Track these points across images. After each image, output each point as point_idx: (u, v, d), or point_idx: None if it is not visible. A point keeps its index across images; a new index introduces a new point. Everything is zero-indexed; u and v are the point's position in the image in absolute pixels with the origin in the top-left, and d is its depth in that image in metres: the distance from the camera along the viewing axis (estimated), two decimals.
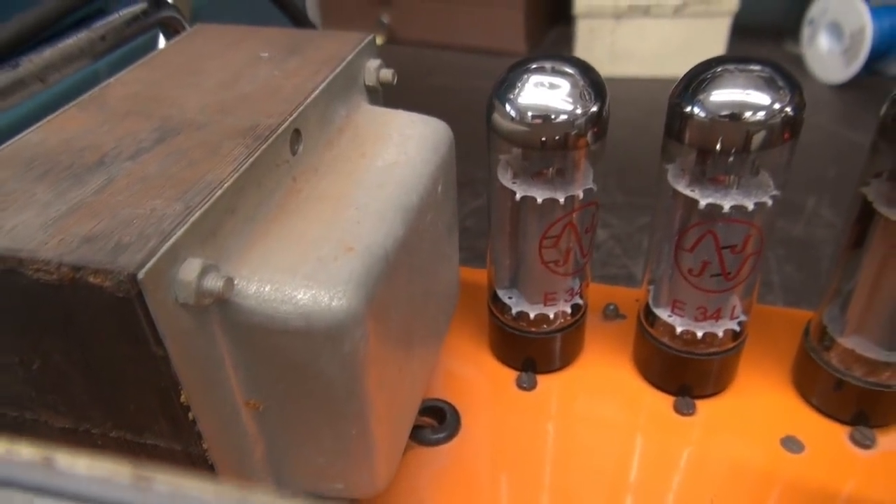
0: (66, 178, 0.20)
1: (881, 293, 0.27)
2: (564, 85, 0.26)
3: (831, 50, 1.31)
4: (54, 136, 0.22)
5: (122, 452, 0.20)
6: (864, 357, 0.28)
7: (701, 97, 0.25)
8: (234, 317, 0.19)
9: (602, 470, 0.29)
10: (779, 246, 0.83)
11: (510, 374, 0.33)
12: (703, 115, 0.25)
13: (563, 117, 0.26)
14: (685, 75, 0.26)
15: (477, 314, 0.35)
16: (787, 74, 0.25)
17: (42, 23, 0.29)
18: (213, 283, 0.18)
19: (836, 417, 0.29)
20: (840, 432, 0.29)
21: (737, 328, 0.29)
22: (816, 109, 1.16)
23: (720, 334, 0.29)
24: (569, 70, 0.26)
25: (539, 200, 0.27)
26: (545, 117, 0.26)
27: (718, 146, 0.25)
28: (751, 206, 0.25)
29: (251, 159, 0.21)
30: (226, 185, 0.19)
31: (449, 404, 0.31)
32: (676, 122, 0.26)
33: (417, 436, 0.30)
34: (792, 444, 0.29)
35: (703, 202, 0.26)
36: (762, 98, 0.24)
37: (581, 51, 1.34)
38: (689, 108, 0.25)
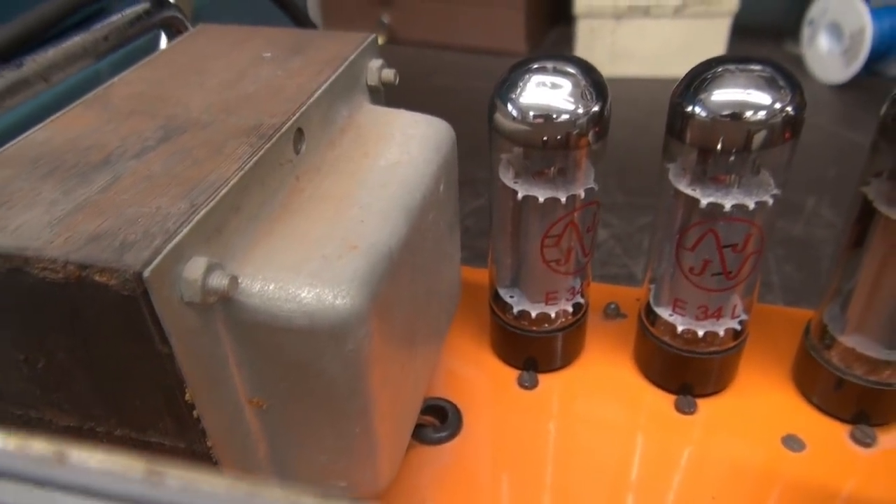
0: (72, 176, 0.20)
1: (881, 292, 0.27)
2: (566, 85, 0.26)
3: (831, 50, 1.32)
4: (59, 134, 0.22)
5: (127, 450, 0.20)
6: (865, 356, 0.28)
7: (702, 97, 0.25)
8: (238, 315, 0.19)
9: (603, 468, 0.29)
10: (779, 246, 0.83)
11: (511, 373, 0.33)
12: (704, 114, 0.25)
13: (565, 117, 0.26)
14: (686, 75, 0.26)
15: (478, 313, 0.36)
16: (788, 74, 0.25)
17: (45, 22, 0.29)
18: (218, 281, 0.18)
19: (837, 416, 0.29)
20: (841, 431, 0.29)
21: (738, 327, 0.29)
22: (816, 110, 1.16)
23: (721, 333, 0.29)
24: (570, 70, 0.26)
25: (541, 200, 0.27)
26: (547, 117, 0.26)
27: (720, 145, 0.25)
28: (752, 205, 0.25)
29: (255, 158, 0.21)
30: (230, 184, 0.20)
31: (451, 403, 0.31)
32: (678, 122, 0.26)
33: (419, 435, 0.30)
34: (793, 442, 0.29)
35: (704, 201, 0.26)
36: (763, 98, 0.24)
37: (581, 51, 1.34)
38: (690, 108, 0.25)
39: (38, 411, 0.20)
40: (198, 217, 0.18)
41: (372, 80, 0.29)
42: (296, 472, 0.23)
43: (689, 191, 0.26)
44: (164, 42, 0.39)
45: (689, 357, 0.30)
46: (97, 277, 0.16)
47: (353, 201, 0.23)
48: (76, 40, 0.29)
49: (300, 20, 0.43)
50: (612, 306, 0.36)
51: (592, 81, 0.26)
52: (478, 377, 0.33)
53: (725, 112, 0.24)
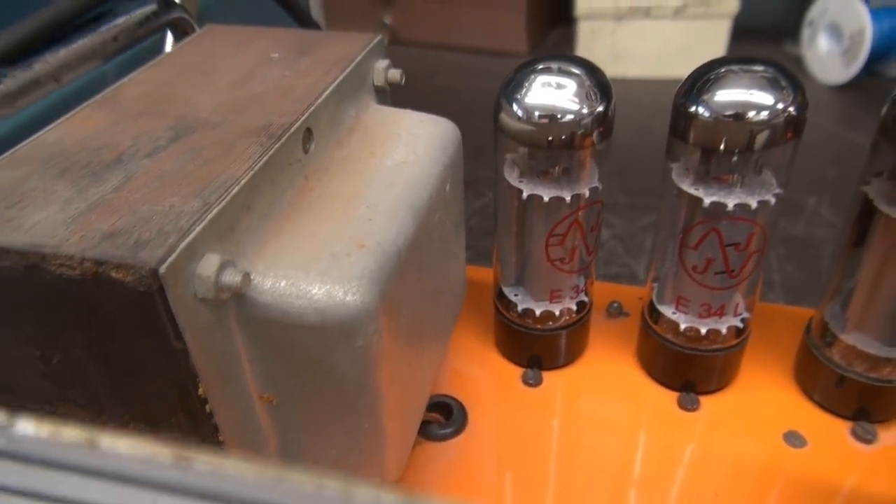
0: (85, 175, 0.20)
1: (882, 290, 0.27)
2: (571, 85, 0.26)
3: (831, 51, 1.32)
4: (71, 135, 0.23)
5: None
6: (866, 353, 0.28)
7: (705, 97, 0.25)
8: (250, 312, 0.19)
9: (607, 465, 0.29)
10: (780, 245, 0.84)
11: (516, 371, 0.33)
12: (707, 114, 0.25)
13: (570, 117, 0.26)
14: (690, 75, 0.26)
15: (482, 312, 0.36)
16: (790, 75, 0.25)
17: (56, 24, 0.29)
18: (231, 278, 0.18)
19: (838, 413, 0.30)
20: (842, 427, 0.29)
21: (740, 325, 0.30)
22: (816, 110, 1.17)
23: (724, 331, 0.30)
24: (575, 70, 0.27)
25: (545, 199, 0.28)
26: (552, 117, 0.26)
27: (723, 145, 0.25)
28: (754, 205, 0.26)
29: (265, 158, 0.21)
30: (242, 183, 0.20)
31: (456, 400, 0.31)
32: (681, 122, 0.26)
33: (425, 431, 0.30)
34: (794, 438, 0.29)
35: (707, 200, 0.26)
36: (766, 98, 0.25)
37: (582, 52, 1.35)
38: (693, 108, 0.25)
39: (52, 406, 0.20)
40: (210, 215, 0.18)
41: (378, 80, 0.30)
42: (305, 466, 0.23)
43: (692, 190, 0.27)
44: (169, 42, 0.39)
45: (691, 354, 0.30)
46: (113, 274, 0.17)
47: (361, 201, 0.23)
48: (86, 41, 0.29)
49: (304, 21, 0.43)
50: (615, 305, 0.36)
51: (597, 82, 0.27)
52: (482, 375, 0.33)
53: (728, 112, 0.25)
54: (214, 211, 0.19)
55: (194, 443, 0.20)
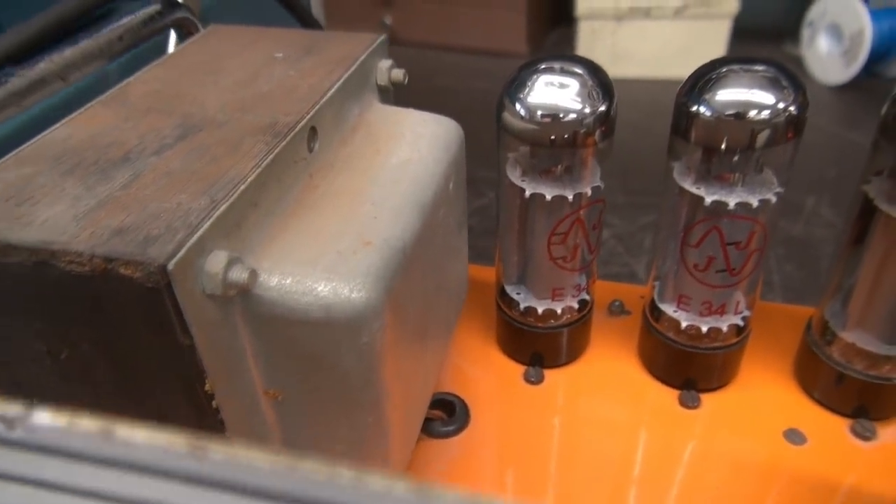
0: (94, 172, 0.20)
1: (882, 288, 0.27)
2: (573, 84, 0.27)
3: (831, 52, 1.32)
4: (79, 132, 0.23)
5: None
6: (865, 351, 0.28)
7: (707, 96, 0.25)
8: (256, 308, 0.20)
9: (609, 462, 0.29)
10: (779, 245, 0.84)
11: (518, 369, 0.33)
12: (709, 113, 0.25)
13: (572, 116, 0.26)
14: (691, 75, 0.26)
15: (484, 310, 0.36)
16: (791, 74, 0.25)
17: (61, 23, 0.29)
18: (239, 274, 0.18)
19: (838, 410, 0.30)
20: (841, 425, 0.30)
21: (741, 323, 0.30)
22: (816, 111, 1.17)
23: (724, 329, 0.30)
24: (577, 70, 0.27)
25: (548, 197, 0.28)
26: (554, 116, 0.26)
27: (724, 144, 0.26)
28: (755, 203, 0.26)
29: (271, 156, 0.21)
30: (248, 181, 0.20)
31: (458, 398, 0.32)
32: (683, 121, 0.26)
33: (428, 428, 0.30)
34: (794, 436, 0.29)
35: (708, 199, 0.26)
36: (767, 97, 0.25)
37: (582, 52, 1.35)
38: (695, 107, 0.26)
39: (58, 401, 0.21)
40: (218, 212, 0.19)
41: (381, 79, 0.30)
42: None
43: (693, 189, 0.27)
44: (172, 42, 0.40)
45: (692, 352, 0.30)
46: (122, 270, 0.17)
47: (366, 198, 0.23)
48: (92, 40, 0.29)
49: (306, 21, 0.44)
50: (617, 303, 0.37)
51: (599, 81, 0.27)
52: (485, 373, 0.33)
53: (730, 111, 0.25)
54: (222, 208, 0.19)
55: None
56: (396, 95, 0.31)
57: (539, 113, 0.26)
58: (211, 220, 0.18)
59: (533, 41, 1.48)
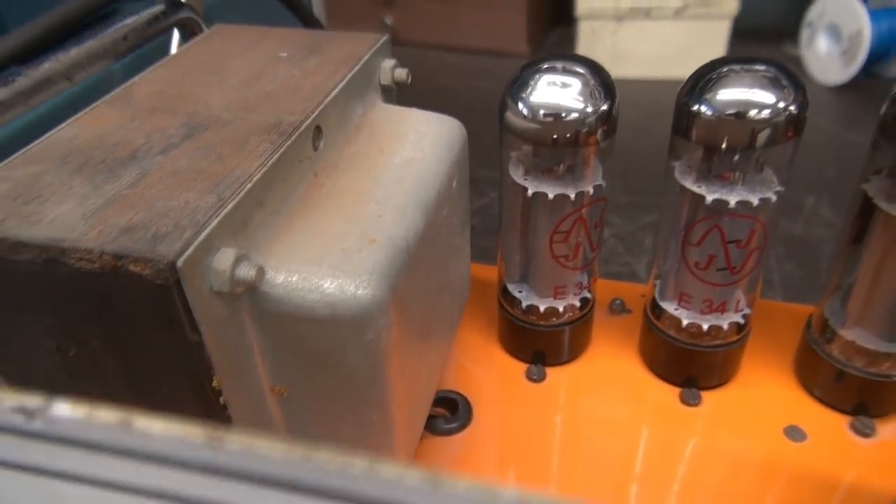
0: (101, 171, 0.21)
1: (881, 286, 0.28)
2: (576, 84, 0.27)
3: (830, 52, 1.33)
4: (86, 131, 0.23)
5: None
6: (865, 348, 0.29)
7: (708, 96, 0.26)
8: (262, 305, 0.20)
9: (610, 458, 0.29)
10: (779, 244, 0.84)
11: (520, 367, 0.34)
12: (709, 113, 0.26)
13: (575, 115, 0.26)
14: (692, 75, 0.27)
15: (486, 309, 0.36)
16: (791, 74, 0.26)
17: (66, 23, 0.29)
18: (246, 271, 0.18)
19: (838, 407, 0.30)
20: (841, 422, 0.30)
21: (741, 321, 0.30)
22: (815, 111, 1.17)
23: (725, 327, 0.30)
24: (580, 69, 0.27)
25: (550, 196, 0.28)
26: (557, 115, 0.27)
27: (724, 143, 0.26)
28: (756, 202, 0.26)
29: (277, 155, 0.21)
30: (254, 179, 0.20)
31: (461, 395, 0.32)
32: (684, 120, 0.27)
33: (431, 426, 0.30)
34: (795, 433, 0.30)
35: (709, 198, 0.27)
36: (767, 97, 0.25)
37: (582, 52, 1.35)
38: (696, 107, 0.26)
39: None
40: (225, 210, 0.19)
41: (385, 79, 0.30)
42: None
43: (694, 188, 0.27)
44: (175, 42, 0.40)
45: (693, 350, 0.31)
46: (132, 267, 0.17)
47: (370, 197, 0.24)
48: (97, 40, 0.29)
49: (307, 20, 0.44)
50: (618, 302, 0.37)
51: (601, 81, 0.27)
52: (487, 371, 0.34)
53: (730, 111, 0.25)
54: (229, 206, 0.19)
55: None
56: (398, 95, 0.31)
57: (542, 112, 0.27)
58: (218, 218, 0.18)
59: (533, 41, 1.48)
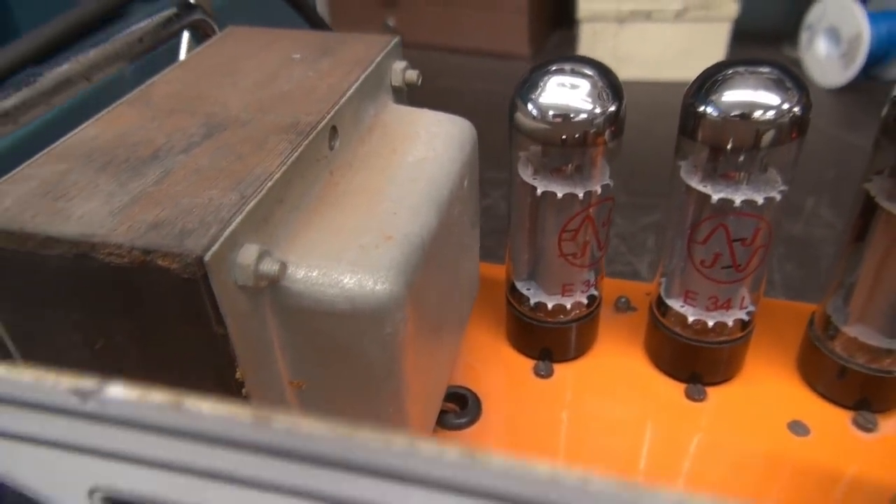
0: (125, 170, 0.21)
1: (883, 284, 0.28)
2: (584, 85, 0.27)
3: (829, 54, 1.34)
4: (108, 131, 0.24)
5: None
6: (867, 345, 0.29)
7: (713, 97, 0.26)
8: (283, 300, 0.20)
9: (618, 453, 0.30)
10: (779, 245, 0.85)
11: (527, 363, 0.34)
12: (715, 114, 0.26)
13: (583, 116, 0.27)
14: (698, 76, 0.27)
15: (493, 307, 0.37)
16: (795, 76, 0.26)
17: (82, 25, 0.30)
18: (269, 266, 0.19)
19: (840, 403, 0.31)
20: (844, 417, 0.30)
21: (745, 318, 0.31)
22: (815, 113, 1.18)
23: (730, 323, 0.31)
24: (588, 71, 0.28)
25: (559, 195, 0.29)
26: (566, 116, 0.27)
27: (730, 144, 0.26)
28: (760, 201, 0.27)
29: (296, 154, 0.22)
30: (275, 177, 0.21)
31: (470, 391, 0.32)
32: (690, 121, 0.27)
33: (441, 421, 0.31)
34: (798, 427, 0.30)
35: (715, 197, 0.27)
36: (771, 98, 0.26)
37: (584, 54, 1.36)
38: (702, 108, 0.26)
39: None
40: (248, 207, 0.19)
41: (396, 80, 0.31)
42: None
43: (700, 187, 0.28)
44: (184, 43, 0.40)
45: (699, 346, 0.31)
46: (160, 262, 0.18)
47: (385, 195, 0.24)
48: (114, 42, 0.30)
49: (314, 21, 0.44)
50: (623, 300, 0.37)
51: (609, 83, 0.28)
52: (496, 367, 0.34)
53: (736, 112, 0.26)
54: (251, 203, 0.20)
55: None
56: (398, 99, 0.32)
57: (551, 113, 0.27)
58: (242, 215, 0.19)
59: (535, 43, 1.49)
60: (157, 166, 0.21)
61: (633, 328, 0.36)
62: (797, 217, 0.91)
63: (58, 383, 0.11)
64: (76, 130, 0.24)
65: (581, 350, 0.34)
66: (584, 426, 0.31)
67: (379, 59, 0.29)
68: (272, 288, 0.20)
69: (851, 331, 0.30)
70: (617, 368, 0.34)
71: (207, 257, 0.17)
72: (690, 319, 0.31)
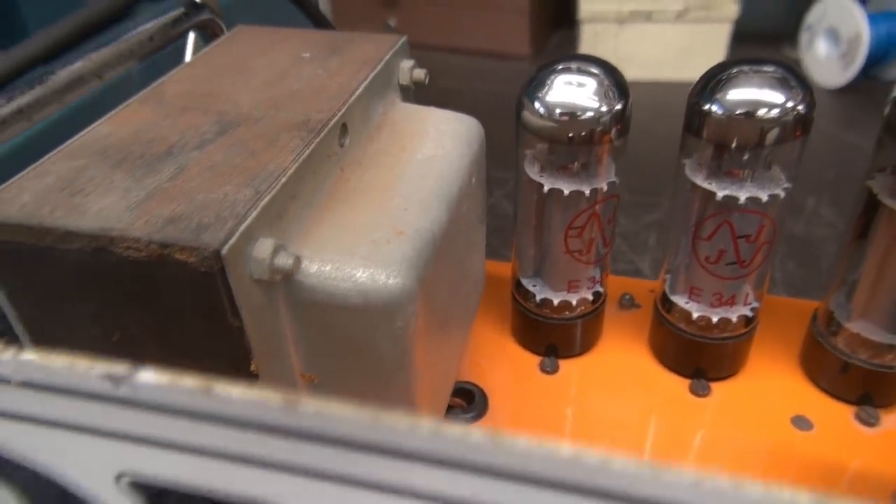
0: (140, 166, 0.22)
1: (885, 280, 0.29)
2: (591, 84, 0.28)
3: (829, 55, 1.34)
4: (121, 128, 0.24)
5: None
6: (870, 340, 0.29)
7: (718, 96, 0.27)
8: (297, 294, 0.21)
9: (623, 447, 0.30)
10: (781, 244, 0.85)
11: (533, 359, 0.34)
12: (720, 112, 0.26)
13: (590, 114, 0.27)
14: (703, 75, 0.28)
15: (499, 305, 0.37)
16: (799, 75, 0.27)
17: (91, 25, 0.30)
18: (284, 260, 0.19)
19: (843, 398, 0.31)
20: (846, 412, 0.31)
21: (749, 314, 0.31)
22: (815, 113, 1.18)
23: (734, 320, 0.31)
24: (594, 70, 0.28)
25: (566, 192, 0.29)
26: (573, 114, 0.28)
27: (735, 142, 0.27)
28: (765, 198, 0.27)
29: (308, 150, 0.22)
30: (288, 173, 0.21)
31: (477, 387, 0.33)
32: (695, 120, 0.27)
33: (449, 415, 0.31)
34: (802, 422, 0.30)
35: (720, 194, 0.27)
36: (776, 97, 0.26)
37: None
38: (707, 106, 0.27)
39: None
40: (262, 203, 0.20)
41: (403, 79, 0.31)
42: None
43: (705, 184, 0.28)
44: (190, 42, 0.41)
45: (703, 342, 0.31)
46: (178, 255, 0.18)
47: (396, 192, 0.25)
48: (125, 41, 0.30)
49: (318, 21, 0.45)
50: (627, 297, 0.38)
51: (615, 81, 0.28)
52: (502, 363, 0.35)
53: (740, 110, 0.26)
54: (266, 199, 0.20)
55: None
56: (405, 97, 0.32)
57: (558, 111, 0.28)
58: (257, 210, 0.19)
59: (536, 44, 1.49)
60: (171, 163, 0.22)
61: (637, 325, 0.36)
62: (798, 216, 0.92)
63: (91, 368, 0.11)
64: (89, 128, 0.24)
65: (586, 346, 0.35)
66: (590, 421, 0.32)
67: (387, 57, 0.29)
68: (286, 282, 0.21)
69: (854, 326, 0.30)
70: (622, 364, 0.34)
71: (224, 251, 0.18)
72: (695, 315, 0.31)
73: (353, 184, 0.25)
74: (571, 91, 0.28)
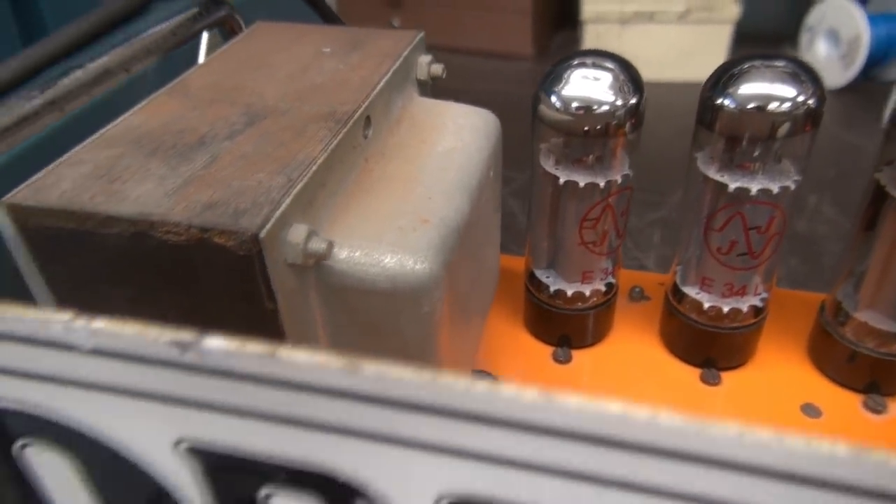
0: (174, 155, 0.22)
1: (892, 270, 0.29)
2: (606, 78, 0.28)
3: (829, 56, 1.35)
4: (152, 119, 0.24)
5: None
6: (877, 329, 0.30)
7: (731, 90, 0.27)
8: (328, 279, 0.21)
9: None
10: (784, 240, 0.86)
11: (546, 350, 0.35)
12: (732, 106, 0.27)
13: (605, 108, 0.28)
14: (716, 70, 0.28)
15: (512, 296, 0.38)
16: (810, 70, 0.27)
17: (111, 21, 0.31)
18: (317, 245, 0.20)
19: (851, 386, 0.32)
20: (854, 400, 0.32)
21: (759, 304, 0.32)
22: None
23: (744, 310, 0.32)
24: (609, 65, 0.29)
25: (581, 184, 0.30)
26: (588, 108, 0.28)
27: (747, 135, 0.27)
28: (776, 190, 0.28)
29: (336, 140, 0.23)
30: (318, 162, 0.22)
31: (492, 376, 0.33)
32: (708, 113, 0.28)
33: None
34: (811, 410, 0.31)
35: (732, 186, 0.28)
36: (787, 91, 0.27)
37: None
38: (719, 100, 0.27)
39: None
40: (295, 190, 0.20)
41: (421, 74, 0.32)
42: None
43: (717, 177, 0.29)
44: (204, 40, 0.41)
45: (714, 332, 0.32)
46: (216, 239, 0.19)
47: (419, 182, 0.25)
48: (149, 36, 0.31)
49: (329, 18, 0.45)
50: (637, 289, 0.38)
51: (630, 76, 0.29)
52: (515, 353, 0.35)
53: (752, 104, 0.27)
54: (299, 186, 0.20)
55: None
56: (423, 92, 0.33)
57: (574, 105, 0.28)
58: (290, 196, 0.20)
59: (538, 44, 1.50)
60: (204, 152, 0.22)
61: (647, 316, 0.37)
62: (801, 214, 0.93)
63: (160, 335, 0.12)
64: (119, 119, 0.25)
65: (598, 337, 0.35)
66: None
67: (406, 52, 0.30)
68: (317, 267, 0.21)
69: (862, 316, 0.31)
70: (633, 354, 0.35)
71: (262, 235, 0.18)
72: (706, 306, 0.32)
73: (377, 174, 0.25)
74: (587, 85, 0.28)
